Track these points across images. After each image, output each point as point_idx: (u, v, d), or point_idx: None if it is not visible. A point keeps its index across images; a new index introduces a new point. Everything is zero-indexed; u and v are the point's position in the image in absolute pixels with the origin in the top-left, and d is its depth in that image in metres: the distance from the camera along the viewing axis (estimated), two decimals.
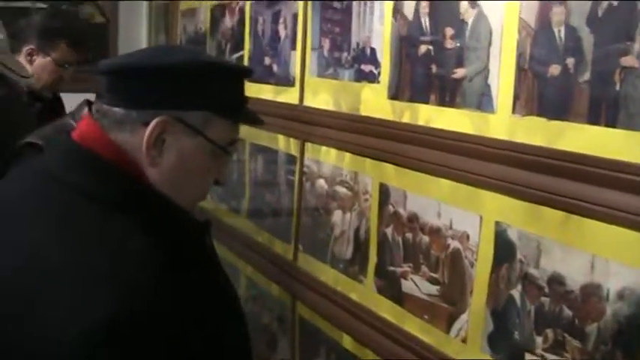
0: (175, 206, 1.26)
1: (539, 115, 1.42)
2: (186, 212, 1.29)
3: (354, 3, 2.02)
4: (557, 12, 1.37)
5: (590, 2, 1.30)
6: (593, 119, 1.30)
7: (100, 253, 1.12)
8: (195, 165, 1.29)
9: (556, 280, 1.39)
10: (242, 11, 2.80)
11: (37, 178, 1.26)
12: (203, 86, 1.25)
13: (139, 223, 1.17)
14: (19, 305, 1.08)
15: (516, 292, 1.48)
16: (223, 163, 1.35)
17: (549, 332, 1.40)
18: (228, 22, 2.93)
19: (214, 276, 1.34)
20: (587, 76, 1.31)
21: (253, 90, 2.65)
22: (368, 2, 1.96)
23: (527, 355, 1.45)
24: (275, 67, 2.53)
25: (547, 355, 1.40)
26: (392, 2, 1.84)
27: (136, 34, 4.13)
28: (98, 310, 1.03)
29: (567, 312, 1.36)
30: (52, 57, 2.70)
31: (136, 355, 1.06)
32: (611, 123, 1.27)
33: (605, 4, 1.28)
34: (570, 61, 1.35)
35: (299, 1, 2.34)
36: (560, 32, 1.37)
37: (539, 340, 1.42)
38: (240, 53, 2.81)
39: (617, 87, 1.25)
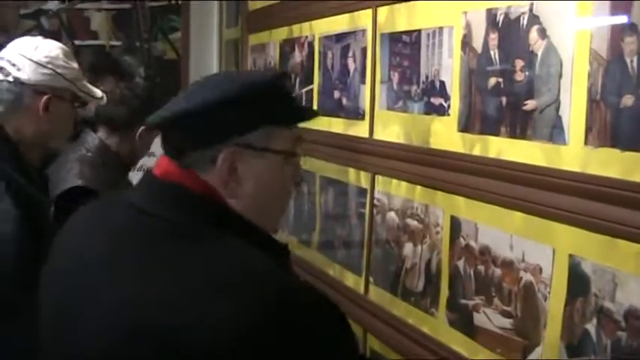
0: (261, 231, 1.28)
1: (613, 146, 1.40)
2: (270, 236, 1.31)
3: (423, 36, 2.03)
4: (630, 41, 1.36)
5: None
6: None
7: (222, 273, 1.14)
8: (274, 180, 1.30)
9: (633, 315, 1.36)
10: (311, 45, 2.84)
11: (130, 215, 1.27)
12: (254, 107, 1.26)
13: (234, 246, 1.20)
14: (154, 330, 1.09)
15: (592, 327, 1.46)
16: (296, 164, 1.36)
17: None
18: (298, 56, 2.97)
19: None
20: None
21: (323, 123, 2.68)
22: (437, 35, 1.96)
23: None
24: (345, 101, 2.55)
25: None
26: (461, 35, 1.85)
27: (207, 69, 4.21)
28: (237, 322, 1.05)
29: None
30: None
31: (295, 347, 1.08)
32: None
33: None
34: None
35: (368, 35, 2.36)
36: (632, 62, 1.35)
37: None
38: (310, 87, 2.84)
39: None
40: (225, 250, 1.18)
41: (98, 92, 2.27)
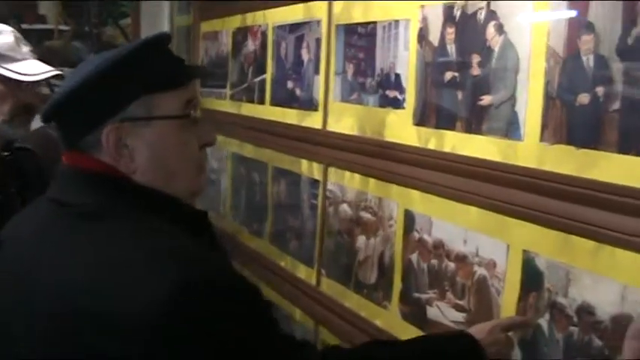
0: (173, 200, 1.29)
1: (568, 143, 1.41)
2: (184, 204, 1.32)
3: (379, 29, 2.03)
4: (586, 40, 1.37)
5: (620, 31, 1.30)
6: (624, 148, 1.30)
7: (143, 247, 1.16)
8: (171, 146, 1.29)
9: (585, 310, 1.38)
10: (264, 35, 2.82)
11: (47, 208, 1.29)
12: (126, 79, 1.25)
13: (149, 220, 1.22)
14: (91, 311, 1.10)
15: (544, 321, 1.47)
16: (196, 126, 1.34)
17: None
18: (251, 45, 2.95)
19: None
20: (617, 105, 1.31)
21: (276, 114, 2.67)
22: (393, 28, 1.96)
23: None
24: (298, 91, 2.53)
25: None
26: (417, 28, 1.85)
27: None
28: (168, 282, 1.07)
29: (597, 342, 1.35)
30: None
31: (211, 318, 1.09)
32: None
33: (635, 32, 1.27)
34: (600, 90, 1.34)
35: (323, 26, 2.34)
36: (588, 61, 1.36)
37: None
38: (263, 77, 2.82)
39: None
40: (130, 228, 1.19)
41: (27, 71, 2.20)
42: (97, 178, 1.25)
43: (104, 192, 1.24)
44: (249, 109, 2.94)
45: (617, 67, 1.31)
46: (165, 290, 1.06)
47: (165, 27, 4.12)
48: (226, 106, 3.18)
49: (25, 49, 2.20)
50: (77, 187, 1.26)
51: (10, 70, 2.13)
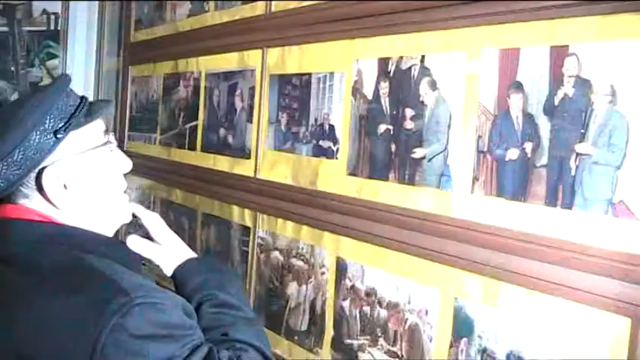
0: (98, 237, 1.37)
1: (498, 195, 1.48)
2: (108, 239, 1.40)
3: (313, 80, 2.08)
4: (516, 99, 1.45)
5: (547, 91, 1.38)
6: (550, 202, 1.37)
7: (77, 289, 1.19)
8: (102, 174, 1.39)
9: (515, 355, 1.43)
10: (197, 81, 2.84)
11: None
12: (48, 125, 1.30)
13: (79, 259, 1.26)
14: None
15: None
16: (112, 153, 1.42)
17: None
18: (183, 91, 2.96)
19: None
20: (544, 160, 1.39)
21: (208, 160, 2.68)
22: (328, 80, 2.02)
23: None
24: (230, 139, 2.56)
25: None
26: (352, 81, 1.91)
27: None
28: (111, 307, 1.13)
29: None
30: None
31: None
32: (568, 206, 1.34)
33: (560, 93, 1.36)
34: (528, 146, 1.42)
35: (257, 75, 2.39)
36: (518, 118, 1.44)
37: None
38: (195, 123, 2.84)
39: (573, 172, 1.33)
40: (61, 272, 1.23)
41: None
42: (30, 227, 1.30)
43: (35, 238, 1.29)
44: (180, 155, 2.95)
45: (544, 124, 1.39)
46: (95, 325, 1.12)
47: (92, 70, 4.10)
48: (155, 151, 3.17)
49: None
50: (8, 238, 1.30)
51: None
